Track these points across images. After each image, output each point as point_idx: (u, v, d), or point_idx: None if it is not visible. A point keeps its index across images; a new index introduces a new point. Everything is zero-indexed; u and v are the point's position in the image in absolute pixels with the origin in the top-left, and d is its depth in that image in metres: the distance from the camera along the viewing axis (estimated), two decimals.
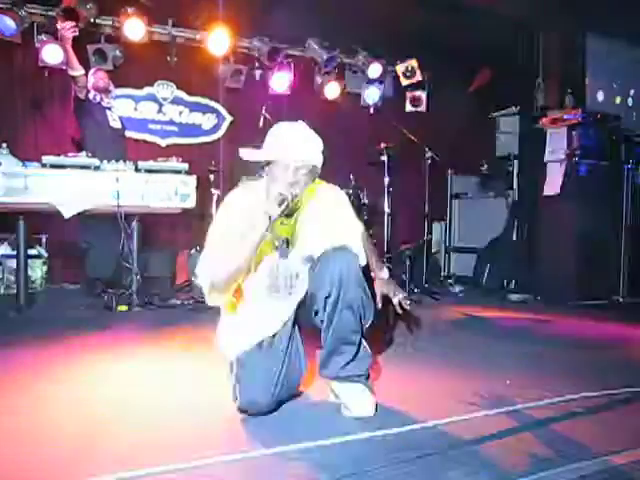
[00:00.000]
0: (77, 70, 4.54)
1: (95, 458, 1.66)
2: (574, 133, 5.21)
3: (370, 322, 2.04)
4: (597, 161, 5.21)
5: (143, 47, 5.80)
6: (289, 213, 1.99)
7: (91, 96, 4.83)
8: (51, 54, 5.30)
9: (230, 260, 1.84)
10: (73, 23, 4.65)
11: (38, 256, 5.09)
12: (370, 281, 2.19)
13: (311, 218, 2.06)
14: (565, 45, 5.84)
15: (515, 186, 6.30)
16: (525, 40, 5.86)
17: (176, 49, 6.14)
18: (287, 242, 1.99)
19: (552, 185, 5.33)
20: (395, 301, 2.18)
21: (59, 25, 4.62)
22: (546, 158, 5.46)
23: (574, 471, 1.61)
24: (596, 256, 5.04)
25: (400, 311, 2.18)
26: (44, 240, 5.36)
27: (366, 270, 2.16)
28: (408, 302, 2.18)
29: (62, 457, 1.67)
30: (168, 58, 6.13)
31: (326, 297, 1.94)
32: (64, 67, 5.33)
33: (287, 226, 2.02)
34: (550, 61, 5.98)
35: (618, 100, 6.26)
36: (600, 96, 6.26)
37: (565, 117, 5.28)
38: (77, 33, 4.66)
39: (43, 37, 5.38)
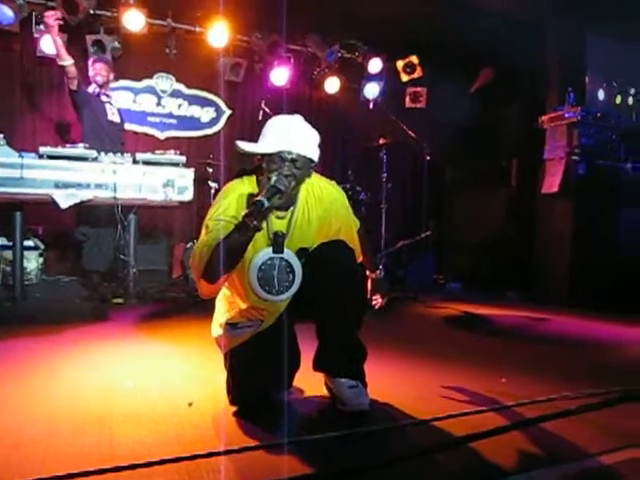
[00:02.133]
0: (65, 60, 4.50)
1: (90, 450, 1.65)
2: (574, 131, 5.20)
3: (363, 317, 2.04)
4: (596, 160, 5.20)
5: (142, 39, 5.77)
6: (284, 207, 1.98)
7: (91, 89, 4.80)
8: (49, 44, 5.26)
9: (222, 247, 1.82)
10: (58, 13, 4.60)
11: (34, 247, 5.07)
12: (364, 278, 2.19)
13: (307, 213, 2.05)
14: (565, 43, 5.81)
15: (514, 183, 6.31)
16: (526, 38, 5.84)
17: (175, 41, 6.11)
18: (282, 236, 1.98)
19: (551, 183, 5.32)
20: (374, 302, 2.23)
21: (45, 15, 4.57)
22: (545, 156, 5.45)
23: (565, 470, 1.61)
24: (593, 254, 5.03)
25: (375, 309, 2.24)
26: (40, 232, 5.35)
27: (361, 267, 2.16)
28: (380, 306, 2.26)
29: (56, 449, 1.66)
30: (167, 50, 6.10)
31: (321, 291, 1.94)
32: None
33: (282, 220, 2.01)
34: (550, 59, 5.95)
35: (619, 99, 6.24)
36: (600, 94, 6.24)
37: (565, 115, 5.27)
38: (62, 22, 4.61)
39: (42, 27, 5.35)
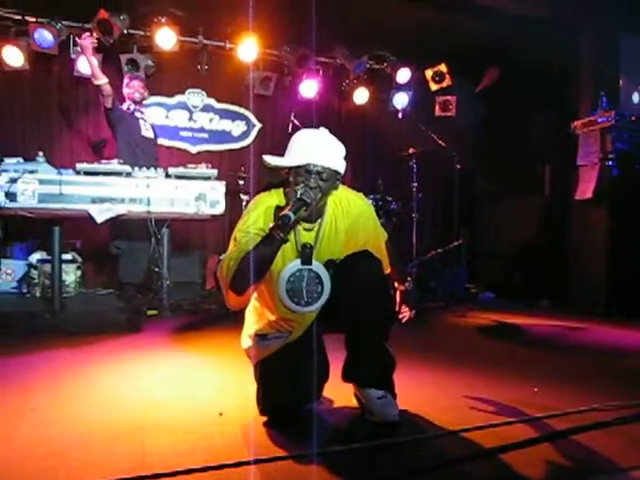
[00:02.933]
0: (100, 79, 4.65)
1: (123, 459, 1.70)
2: (607, 136, 5.10)
3: (391, 328, 2.05)
4: (631, 165, 5.08)
5: (174, 56, 5.92)
6: (312, 219, 2.01)
7: (125, 106, 4.95)
8: (86, 65, 5.44)
9: (249, 258, 1.85)
10: (92, 35, 4.79)
11: (72, 261, 5.23)
12: (392, 289, 2.19)
13: (334, 224, 2.07)
14: (598, 45, 5.72)
15: (547, 191, 6.21)
16: (557, 41, 5.76)
17: (206, 57, 6.25)
18: (310, 248, 2.00)
19: (584, 190, 5.22)
20: (400, 316, 2.20)
21: (80, 36, 4.76)
22: (579, 162, 5.35)
23: None
24: (630, 262, 4.91)
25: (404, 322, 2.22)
26: (78, 245, 5.50)
27: (389, 279, 2.17)
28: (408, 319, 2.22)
29: (89, 458, 1.71)
30: (199, 66, 6.24)
31: (347, 302, 1.95)
32: None
33: (310, 232, 2.04)
34: (583, 62, 5.86)
35: None
36: (635, 98, 6.11)
37: (598, 120, 5.18)
38: (96, 44, 4.79)
39: (78, 49, 5.54)
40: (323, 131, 2.00)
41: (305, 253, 1.99)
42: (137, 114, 5.01)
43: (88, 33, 4.81)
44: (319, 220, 2.04)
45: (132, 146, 4.85)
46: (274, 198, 2.05)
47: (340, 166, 1.98)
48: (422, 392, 2.45)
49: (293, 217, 1.80)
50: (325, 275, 2.00)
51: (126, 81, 5.04)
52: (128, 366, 2.90)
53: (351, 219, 2.10)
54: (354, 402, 2.14)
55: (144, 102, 5.18)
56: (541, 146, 6.23)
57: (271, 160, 1.97)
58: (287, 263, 1.99)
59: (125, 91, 5.00)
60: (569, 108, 5.86)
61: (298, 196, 1.87)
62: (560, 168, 5.87)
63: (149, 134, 5.08)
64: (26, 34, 5.34)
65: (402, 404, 2.06)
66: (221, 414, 2.10)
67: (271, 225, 1.85)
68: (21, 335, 3.68)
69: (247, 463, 1.65)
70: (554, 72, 6.09)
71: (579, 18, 5.81)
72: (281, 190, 2.06)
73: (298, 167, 1.93)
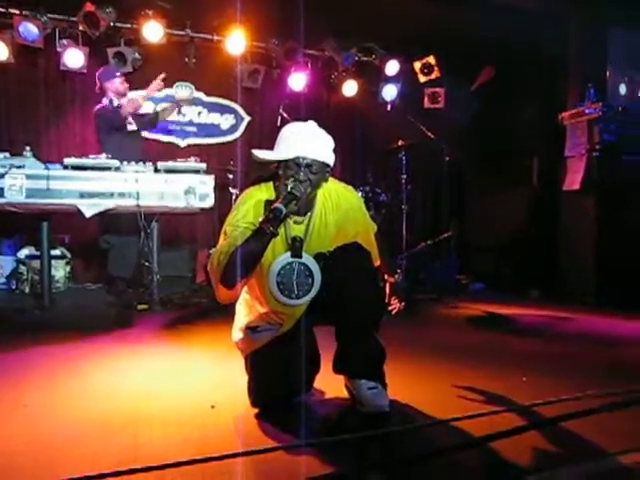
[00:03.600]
0: (144, 99, 4.77)
1: (116, 451, 1.70)
2: (595, 127, 5.13)
3: (381, 318, 2.06)
4: (619, 156, 5.12)
5: (162, 49, 5.87)
6: (302, 212, 2.02)
7: (107, 101, 4.85)
8: (72, 59, 5.43)
9: (239, 252, 1.86)
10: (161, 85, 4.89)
11: (61, 256, 5.20)
12: (381, 280, 2.20)
13: (324, 217, 2.07)
14: (586, 37, 5.74)
15: (535, 182, 6.24)
16: (544, 33, 5.78)
17: (194, 50, 6.21)
18: (300, 241, 2.01)
19: (572, 180, 5.26)
20: (390, 308, 2.20)
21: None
22: (566, 153, 5.39)
23: (585, 469, 1.60)
24: (619, 252, 4.95)
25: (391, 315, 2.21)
26: (67, 241, 5.47)
27: (378, 271, 2.18)
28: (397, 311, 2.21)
29: (84, 451, 1.72)
30: (186, 59, 6.20)
31: (337, 293, 1.96)
32: (85, 71, 5.46)
33: (300, 225, 2.04)
34: (571, 54, 5.89)
35: None
36: (622, 89, 6.15)
37: (586, 111, 5.21)
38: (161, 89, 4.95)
39: (64, 42, 5.50)
40: (311, 124, 2.00)
41: (295, 246, 2.00)
42: (122, 110, 4.92)
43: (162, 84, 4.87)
44: (309, 213, 2.05)
45: (120, 143, 4.76)
46: (264, 192, 2.05)
47: (329, 158, 1.98)
48: (412, 382, 2.46)
49: (284, 211, 1.81)
50: (315, 268, 2.01)
51: (116, 75, 4.89)
52: (120, 360, 2.90)
53: (341, 212, 2.11)
54: (345, 393, 2.16)
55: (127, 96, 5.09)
56: (529, 137, 6.26)
57: (260, 154, 1.97)
58: (277, 256, 1.99)
59: (112, 87, 4.88)
60: (557, 99, 5.89)
61: (288, 190, 1.88)
62: (548, 159, 5.91)
63: (132, 127, 4.98)
64: (11, 27, 5.28)
65: (392, 394, 2.08)
66: (213, 406, 2.11)
67: (261, 219, 1.86)
68: (11, 331, 3.66)
69: (239, 454, 1.66)
70: (542, 64, 6.12)
71: (567, 10, 5.83)
72: (271, 184, 2.06)
73: (287, 160, 1.93)
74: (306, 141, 1.93)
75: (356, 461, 1.67)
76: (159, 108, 6.15)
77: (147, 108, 6.12)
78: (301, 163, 1.92)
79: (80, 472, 1.54)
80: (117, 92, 4.87)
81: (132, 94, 5.03)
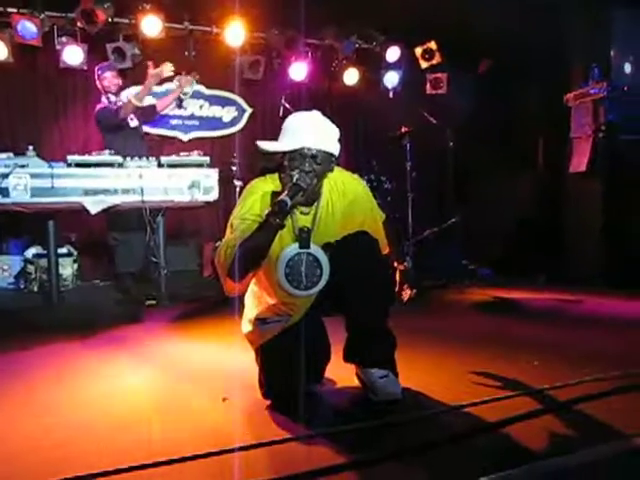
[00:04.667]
0: (138, 100, 4.64)
1: (129, 446, 1.71)
2: (600, 108, 5.08)
3: (391, 306, 2.05)
4: (625, 136, 5.06)
5: (161, 43, 5.84)
6: (308, 202, 2.00)
7: (113, 99, 4.82)
8: (72, 55, 5.41)
9: (246, 245, 1.85)
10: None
11: (68, 254, 5.21)
12: (391, 268, 2.19)
13: (331, 207, 2.06)
14: (590, 16, 5.66)
15: (540, 164, 6.20)
16: (549, 14, 5.70)
17: (194, 43, 6.16)
18: (308, 232, 2.00)
19: (578, 162, 5.22)
20: (403, 296, 2.21)
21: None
22: (572, 134, 5.34)
23: (599, 452, 1.59)
24: (625, 234, 4.91)
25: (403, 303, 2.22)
26: (73, 238, 5.48)
27: (387, 259, 2.17)
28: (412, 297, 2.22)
29: (96, 447, 1.72)
30: (186, 53, 6.15)
31: (348, 282, 1.95)
32: (85, 67, 5.43)
33: (307, 215, 2.03)
34: (574, 34, 5.81)
35: None
36: (627, 68, 6.08)
37: (590, 92, 5.15)
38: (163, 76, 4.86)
39: (63, 39, 5.48)
40: (316, 114, 1.99)
41: (303, 237, 1.98)
42: (119, 104, 4.89)
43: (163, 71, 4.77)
44: (315, 203, 2.04)
45: (123, 140, 4.74)
46: (269, 184, 2.04)
47: (334, 148, 1.97)
48: (424, 369, 2.46)
49: (289, 203, 1.80)
50: (324, 258, 1.99)
51: (98, 73, 4.82)
52: (130, 356, 2.91)
53: (347, 201, 2.10)
54: (356, 382, 2.15)
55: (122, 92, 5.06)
56: (534, 119, 6.21)
57: (265, 145, 1.96)
58: (285, 247, 1.98)
59: (104, 84, 4.84)
60: (562, 81, 5.82)
61: (294, 181, 1.86)
62: (553, 141, 5.86)
63: (134, 123, 4.95)
64: (9, 26, 5.26)
65: (404, 382, 2.07)
66: (224, 399, 2.11)
67: (267, 211, 1.84)
68: (21, 330, 3.68)
69: (252, 447, 1.66)
70: (546, 45, 6.04)
71: None
72: (276, 175, 2.05)
73: (292, 152, 1.92)
74: (311, 132, 1.91)
75: (370, 450, 1.66)
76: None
77: (149, 100, 6.13)
78: (306, 154, 1.90)
79: (94, 468, 1.54)
80: (105, 89, 4.78)
81: (126, 93, 4.96)
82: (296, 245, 1.98)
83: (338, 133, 2.00)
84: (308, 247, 1.98)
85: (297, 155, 1.91)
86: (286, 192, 1.84)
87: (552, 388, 2.11)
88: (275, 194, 1.97)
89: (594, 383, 2.16)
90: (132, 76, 5.69)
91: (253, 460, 1.61)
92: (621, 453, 1.61)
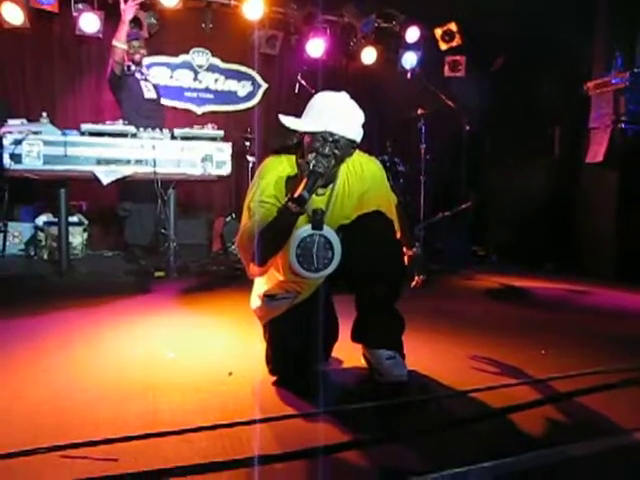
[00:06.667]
0: (121, 42, 4.57)
1: (135, 416, 1.72)
2: (621, 98, 4.98)
3: (402, 288, 2.04)
4: None
5: (178, 14, 5.79)
6: (324, 185, 1.98)
7: (126, 69, 4.80)
8: (88, 23, 5.37)
9: (268, 231, 1.84)
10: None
11: (79, 223, 5.22)
12: (402, 251, 2.17)
13: (347, 189, 2.04)
14: (613, 3, 5.53)
15: (557, 153, 6.12)
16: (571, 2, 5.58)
17: (211, 15, 6.09)
18: (322, 213, 1.96)
19: (595, 152, 5.14)
20: (413, 283, 2.20)
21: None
22: (590, 124, 5.25)
23: (602, 444, 1.59)
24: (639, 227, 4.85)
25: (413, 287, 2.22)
26: (84, 208, 5.49)
27: (399, 243, 2.15)
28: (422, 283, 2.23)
29: (103, 415, 1.74)
30: (203, 25, 6.09)
31: (358, 261, 1.94)
32: (101, 36, 5.38)
33: (322, 197, 2.01)
34: (597, 21, 5.69)
35: None
36: None
37: (612, 81, 5.05)
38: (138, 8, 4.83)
39: (80, 6, 5.43)
40: (344, 96, 1.93)
41: (316, 218, 1.94)
42: (137, 75, 4.88)
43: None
44: (331, 185, 2.01)
45: (137, 110, 4.74)
46: (284, 163, 2.01)
47: (357, 135, 1.92)
48: (431, 353, 2.45)
49: (307, 197, 1.77)
50: (336, 241, 1.96)
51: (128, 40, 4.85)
52: (137, 326, 2.92)
53: (364, 183, 2.07)
54: (363, 363, 2.15)
55: (146, 62, 5.05)
56: (552, 107, 6.11)
57: (287, 121, 1.91)
58: (298, 228, 1.96)
59: (128, 51, 4.83)
60: (582, 68, 5.71)
61: (310, 168, 1.82)
62: (571, 130, 5.77)
63: (151, 95, 4.94)
64: None
65: (410, 365, 2.07)
66: (231, 374, 2.12)
67: (286, 199, 1.82)
68: (30, 297, 3.70)
69: (257, 421, 1.67)
70: (566, 30, 5.92)
71: None
72: (292, 157, 2.01)
73: (314, 133, 1.88)
74: (336, 115, 1.87)
75: (374, 430, 1.67)
76: (176, 75, 6.09)
77: (163, 74, 6.09)
78: (327, 138, 1.86)
79: (99, 435, 1.55)
80: (115, 58, 4.72)
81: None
82: (309, 226, 1.95)
83: (363, 118, 1.96)
84: (321, 229, 1.95)
85: (319, 137, 1.87)
86: (303, 185, 1.80)
87: (556, 378, 2.10)
88: (290, 179, 1.94)
89: (599, 375, 2.15)
90: (148, 46, 5.62)
91: (256, 434, 1.61)
92: (623, 447, 1.61)
